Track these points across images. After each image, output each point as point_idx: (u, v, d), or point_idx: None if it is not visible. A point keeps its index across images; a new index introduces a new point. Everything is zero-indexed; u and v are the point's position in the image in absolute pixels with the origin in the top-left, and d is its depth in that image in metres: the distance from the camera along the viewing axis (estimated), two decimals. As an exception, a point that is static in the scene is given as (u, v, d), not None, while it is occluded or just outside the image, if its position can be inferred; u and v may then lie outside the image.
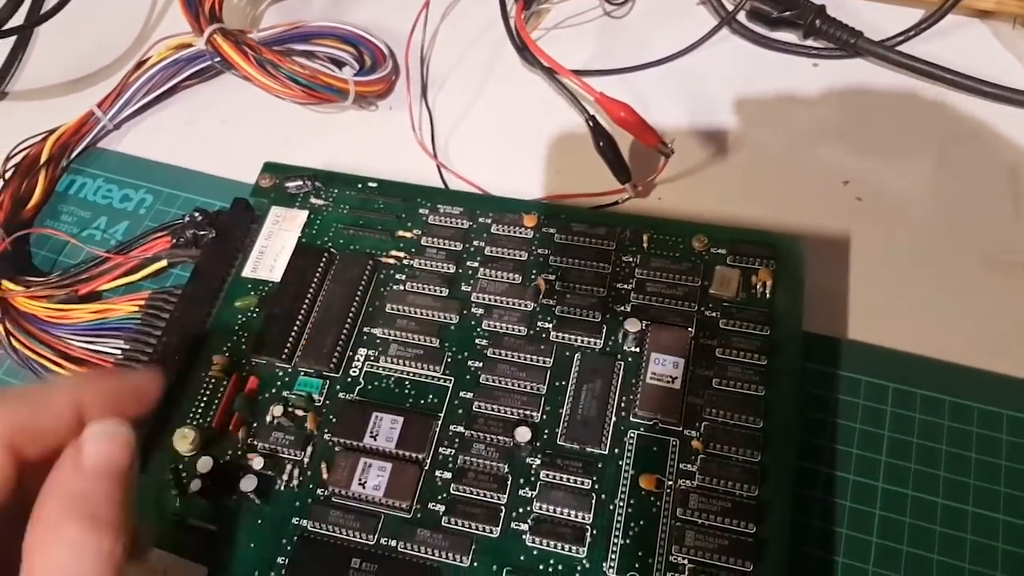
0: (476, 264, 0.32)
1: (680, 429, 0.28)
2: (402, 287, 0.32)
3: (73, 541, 0.18)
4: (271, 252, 0.33)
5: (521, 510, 0.27)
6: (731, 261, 0.31)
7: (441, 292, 0.32)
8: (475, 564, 0.26)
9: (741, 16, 0.39)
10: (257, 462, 0.28)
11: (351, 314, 0.31)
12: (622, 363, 0.29)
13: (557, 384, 0.29)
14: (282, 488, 0.28)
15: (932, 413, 0.29)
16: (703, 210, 0.34)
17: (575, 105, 0.37)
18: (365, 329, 0.31)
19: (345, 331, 0.31)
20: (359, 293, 0.32)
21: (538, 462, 0.28)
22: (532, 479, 0.27)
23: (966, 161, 0.35)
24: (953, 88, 0.37)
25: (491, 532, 0.27)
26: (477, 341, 0.30)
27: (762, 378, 0.28)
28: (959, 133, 0.36)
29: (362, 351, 0.31)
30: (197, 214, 0.34)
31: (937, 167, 0.35)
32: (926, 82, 0.37)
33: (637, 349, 0.30)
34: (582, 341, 0.30)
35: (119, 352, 0.32)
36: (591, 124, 0.35)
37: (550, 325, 0.30)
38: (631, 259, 0.31)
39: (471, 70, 0.41)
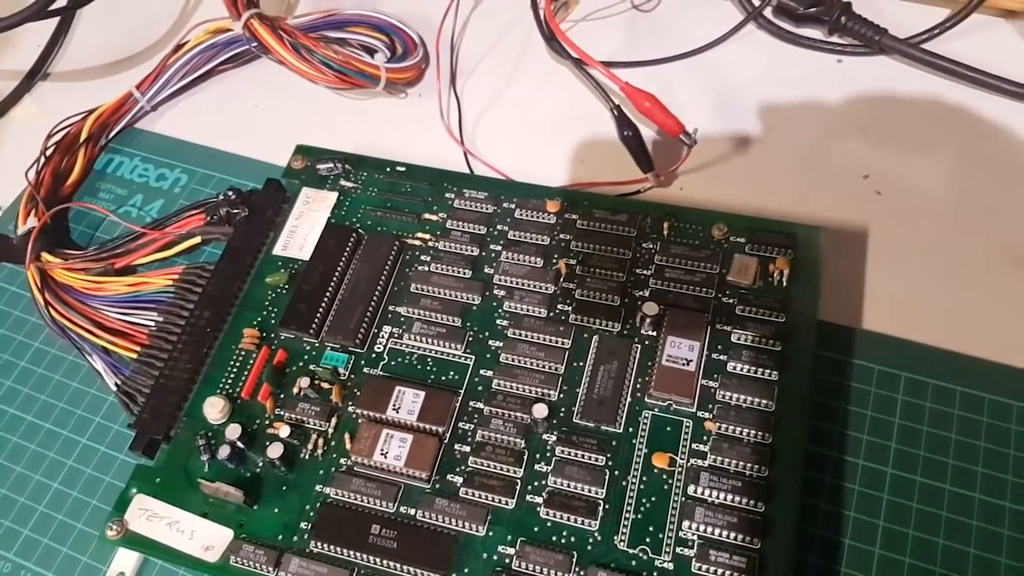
0: (499, 247, 0.33)
1: (694, 410, 0.29)
2: (427, 268, 0.33)
3: None
4: (301, 231, 0.34)
5: (536, 483, 0.28)
6: (750, 249, 0.31)
7: (464, 274, 0.32)
8: (490, 533, 0.27)
9: (767, 11, 0.40)
10: (284, 431, 0.29)
11: (377, 293, 0.32)
12: (639, 345, 0.30)
13: (575, 364, 0.30)
14: (307, 457, 0.29)
15: (943, 402, 0.29)
16: (724, 200, 0.35)
17: (601, 95, 0.37)
18: (390, 307, 0.32)
19: (371, 309, 0.32)
20: (385, 273, 0.33)
21: (554, 438, 0.29)
22: (548, 455, 0.28)
23: (986, 158, 0.35)
24: (976, 86, 0.37)
25: (507, 504, 0.28)
26: (498, 321, 0.31)
27: (776, 363, 0.29)
28: (980, 130, 0.36)
29: (387, 328, 0.32)
30: (231, 193, 0.35)
31: (957, 163, 0.35)
32: (949, 80, 0.37)
33: (654, 332, 0.30)
34: (600, 323, 0.31)
35: (152, 324, 0.33)
36: (616, 113, 0.36)
37: (570, 308, 0.31)
38: (651, 246, 0.32)
39: (499, 60, 0.41)
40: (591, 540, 0.27)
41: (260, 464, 0.29)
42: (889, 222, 0.34)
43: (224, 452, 0.29)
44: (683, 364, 0.29)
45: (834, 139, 0.37)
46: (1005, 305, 0.31)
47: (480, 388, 0.30)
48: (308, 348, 0.31)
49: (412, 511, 0.28)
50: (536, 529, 0.27)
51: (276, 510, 0.28)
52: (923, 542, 0.27)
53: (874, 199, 0.35)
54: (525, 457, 0.28)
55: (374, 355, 0.31)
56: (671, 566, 0.26)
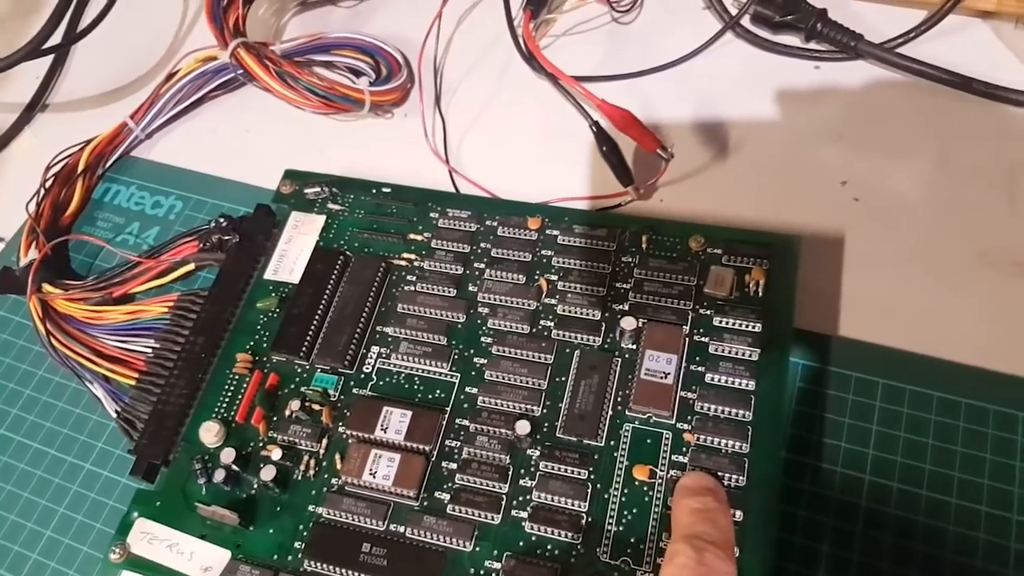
0: (483, 265, 0.34)
1: (673, 422, 0.29)
2: (413, 288, 0.34)
3: None
4: (291, 255, 0.35)
5: (521, 499, 0.29)
6: (726, 260, 0.32)
7: (449, 292, 0.33)
8: (477, 549, 0.28)
9: (745, 20, 0.40)
10: (276, 453, 0.30)
11: (364, 314, 0.33)
12: (619, 359, 0.31)
13: (557, 380, 0.31)
14: (299, 478, 0.30)
15: (920, 408, 0.30)
16: (704, 211, 0.36)
17: (580, 111, 0.38)
18: (378, 328, 0.33)
19: (359, 330, 0.33)
20: (372, 294, 0.33)
21: (537, 454, 0.29)
22: (532, 470, 0.29)
23: (964, 161, 0.36)
24: (953, 88, 0.37)
25: (492, 519, 0.28)
26: (483, 339, 0.32)
27: (752, 373, 0.29)
28: (958, 133, 0.36)
29: (375, 349, 0.33)
30: (222, 220, 0.36)
31: (935, 167, 0.36)
32: (926, 83, 0.38)
33: (633, 346, 0.31)
34: (581, 338, 0.31)
35: (149, 351, 0.34)
36: (595, 129, 0.37)
37: (552, 323, 0.32)
38: (630, 259, 0.33)
39: (482, 78, 0.42)
40: (574, 553, 0.27)
41: (255, 486, 0.30)
42: (866, 228, 0.34)
43: (220, 475, 0.30)
44: (661, 377, 0.30)
45: (812, 146, 0.37)
46: (981, 309, 0.32)
47: (466, 405, 0.31)
48: (299, 371, 0.32)
49: (401, 528, 0.29)
50: (521, 543, 0.28)
51: (271, 530, 0.29)
52: (901, 547, 0.28)
53: (852, 205, 0.35)
54: (510, 473, 0.29)
55: (363, 376, 0.32)
56: (652, 576, 0.27)
